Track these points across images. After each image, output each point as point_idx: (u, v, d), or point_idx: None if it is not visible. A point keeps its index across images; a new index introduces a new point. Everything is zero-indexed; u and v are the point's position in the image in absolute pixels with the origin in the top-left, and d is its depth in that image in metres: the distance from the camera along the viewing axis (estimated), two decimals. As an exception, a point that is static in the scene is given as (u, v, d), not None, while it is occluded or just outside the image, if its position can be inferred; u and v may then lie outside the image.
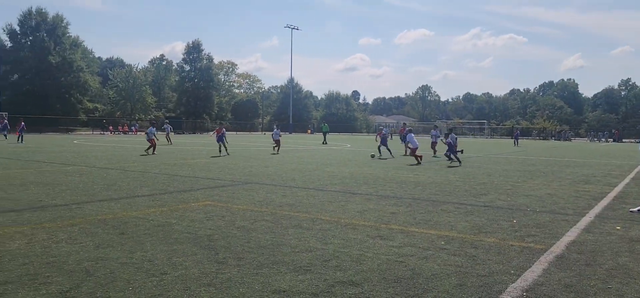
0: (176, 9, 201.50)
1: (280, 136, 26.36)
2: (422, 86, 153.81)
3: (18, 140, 33.64)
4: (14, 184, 11.06)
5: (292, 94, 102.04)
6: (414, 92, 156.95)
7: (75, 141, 38.13)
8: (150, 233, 6.47)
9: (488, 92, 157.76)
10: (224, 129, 23.27)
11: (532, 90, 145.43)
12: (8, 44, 73.69)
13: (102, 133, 69.02)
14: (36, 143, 33.46)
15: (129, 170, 14.90)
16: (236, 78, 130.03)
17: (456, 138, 19.46)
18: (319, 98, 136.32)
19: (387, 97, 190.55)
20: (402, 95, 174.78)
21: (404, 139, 22.98)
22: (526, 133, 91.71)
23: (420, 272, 5.06)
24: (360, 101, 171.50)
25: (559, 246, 6.23)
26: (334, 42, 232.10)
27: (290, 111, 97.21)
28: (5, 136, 38.35)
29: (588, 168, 19.22)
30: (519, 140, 51.08)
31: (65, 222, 7.11)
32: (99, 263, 5.13)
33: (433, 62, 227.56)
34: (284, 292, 4.40)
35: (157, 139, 23.83)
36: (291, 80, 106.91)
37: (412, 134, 20.86)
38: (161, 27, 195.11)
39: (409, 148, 20.61)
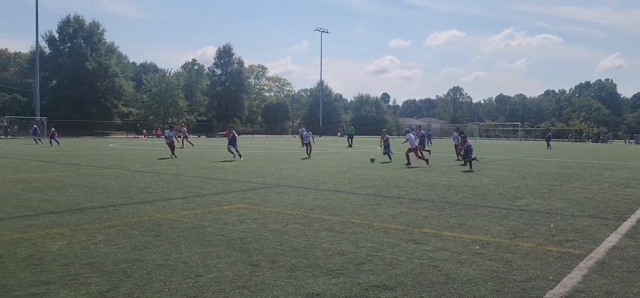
0: (208, 14, 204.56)
1: (311, 138, 25.42)
2: (453, 87, 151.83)
3: (50, 144, 35.31)
4: (54, 187, 11.39)
5: (321, 97, 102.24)
6: (444, 94, 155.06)
7: (110, 145, 39.06)
8: (184, 236, 6.57)
9: (521, 94, 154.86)
10: (234, 132, 22.60)
11: (567, 91, 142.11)
12: (47, 51, 76.04)
13: (136, 136, 70.51)
14: (73, 146, 34.41)
15: (162, 173, 15.16)
16: (266, 82, 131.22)
17: (458, 140, 19.35)
18: (349, 101, 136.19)
19: (417, 100, 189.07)
20: (433, 97, 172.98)
21: (386, 145, 22.59)
22: (561, 135, 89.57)
23: (455, 276, 4.98)
24: (390, 103, 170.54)
25: (599, 252, 6.05)
26: (363, 44, 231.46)
27: (320, 113, 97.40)
28: (36, 140, 39.62)
29: (627, 171, 18.63)
30: (552, 142, 49.87)
31: (103, 224, 7.28)
32: (135, 264, 5.23)
33: (464, 64, 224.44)
34: (317, 295, 4.40)
35: (177, 142, 24.35)
36: (321, 83, 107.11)
37: (412, 135, 20.93)
38: (193, 32, 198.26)
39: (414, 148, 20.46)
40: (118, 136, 68.60)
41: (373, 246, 6.15)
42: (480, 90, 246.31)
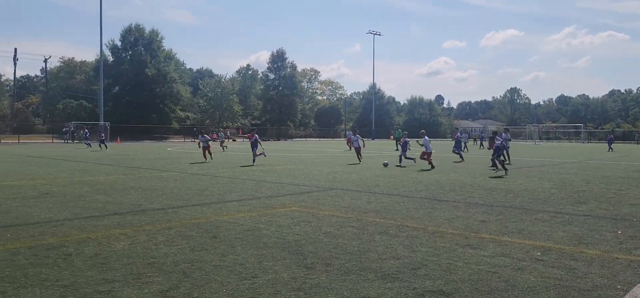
0: (262, 19, 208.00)
1: (360, 141, 24.17)
2: (511, 88, 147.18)
3: (99, 148, 37.04)
4: (117, 189, 11.89)
5: (374, 99, 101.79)
6: (501, 95, 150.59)
7: (168, 149, 40.39)
8: (240, 237, 6.69)
9: (584, 94, 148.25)
10: (255, 136, 21.91)
11: (635, 91, 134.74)
12: (110, 58, 79.62)
13: (193, 140, 72.59)
14: (134, 150, 35.80)
15: (218, 176, 15.52)
16: (319, 85, 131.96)
17: (501, 140, 18.38)
18: (402, 104, 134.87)
19: (472, 101, 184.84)
20: (489, 98, 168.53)
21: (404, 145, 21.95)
22: (628, 137, 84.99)
23: (516, 283, 4.82)
24: (444, 105, 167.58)
25: (672, 261, 5.69)
26: (416, 46, 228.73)
27: (373, 116, 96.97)
28: (88, 144, 41.29)
29: (703, 175, 17.47)
30: (613, 144, 47.26)
31: (163, 225, 7.53)
32: (194, 265, 5.37)
33: (522, 64, 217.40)
34: (373, 299, 4.37)
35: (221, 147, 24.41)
36: (373, 86, 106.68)
37: (428, 139, 20.44)
38: (247, 37, 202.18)
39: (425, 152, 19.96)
40: (176, 140, 70.83)
41: (428, 251, 6.05)
42: (540, 91, 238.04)
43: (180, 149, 40.38)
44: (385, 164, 19.87)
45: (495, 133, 18.97)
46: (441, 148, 26.14)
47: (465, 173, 17.01)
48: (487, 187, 12.93)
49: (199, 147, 24.57)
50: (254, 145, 21.36)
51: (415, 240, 6.66)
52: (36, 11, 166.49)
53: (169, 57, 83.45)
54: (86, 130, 42.99)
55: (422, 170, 18.11)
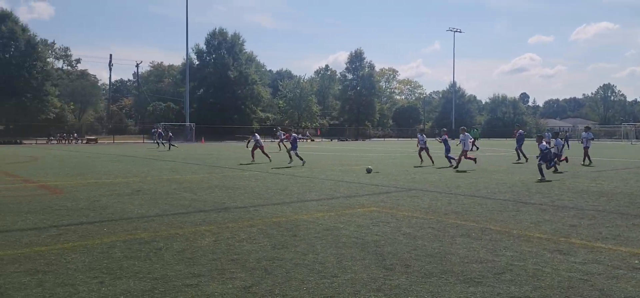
0: (340, 20, 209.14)
1: (425, 143, 21.59)
2: (604, 85, 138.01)
3: (168, 148, 38.52)
4: (202, 188, 12.42)
5: (454, 98, 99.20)
6: (593, 92, 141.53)
7: (249, 148, 41.54)
8: (320, 237, 6.76)
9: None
10: (294, 135, 21.23)
11: None
12: (196, 62, 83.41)
13: (272, 140, 74.36)
14: (217, 150, 37.22)
15: (297, 176, 15.78)
16: (397, 85, 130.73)
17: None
18: (483, 102, 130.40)
19: (560, 99, 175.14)
20: (579, 96, 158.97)
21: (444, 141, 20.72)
22: None
23: (611, 293, 4.51)
24: (530, 103, 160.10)
25: None
26: (500, 42, 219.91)
27: (453, 116, 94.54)
28: (158, 144, 42.48)
29: None
30: None
31: (245, 223, 7.77)
32: (275, 262, 5.50)
33: (617, 59, 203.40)
34: (455, 303, 4.26)
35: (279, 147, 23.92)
36: (453, 84, 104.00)
37: (467, 134, 19.43)
38: (326, 38, 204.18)
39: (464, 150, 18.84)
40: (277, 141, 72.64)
41: (514, 255, 5.80)
42: (637, 87, 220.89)
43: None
44: (369, 170, 16.81)
45: (541, 137, 16.94)
46: (528, 148, 24.93)
47: (552, 174, 16.13)
48: (578, 189, 12.19)
49: (247, 147, 24.15)
50: (294, 145, 20.95)
51: (498, 243, 6.41)
52: (129, 19, 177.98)
53: (250, 59, 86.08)
54: (160, 131, 44.71)
55: (466, 170, 17.40)
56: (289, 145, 21.71)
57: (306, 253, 5.90)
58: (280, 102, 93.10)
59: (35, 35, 71.26)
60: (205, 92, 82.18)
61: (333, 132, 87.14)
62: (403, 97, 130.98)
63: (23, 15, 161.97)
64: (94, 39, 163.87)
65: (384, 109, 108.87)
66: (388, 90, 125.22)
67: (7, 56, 66.18)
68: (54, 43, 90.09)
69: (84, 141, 59.29)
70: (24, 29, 69.06)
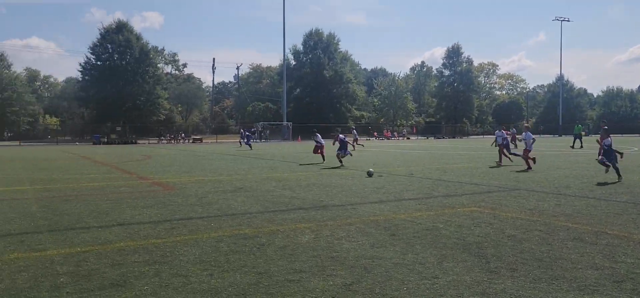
0: (436, 15, 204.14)
1: (503, 141, 19.86)
2: None
3: (250, 148, 38.24)
4: (301, 186, 12.71)
5: (561, 92, 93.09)
6: None
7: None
8: (419, 236, 6.66)
9: None
10: (340, 136, 19.93)
11: None
12: (293, 62, 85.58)
13: (367, 139, 74.37)
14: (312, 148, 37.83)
15: (394, 174, 15.65)
16: (497, 79, 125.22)
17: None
18: (595, 96, 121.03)
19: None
20: None
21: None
22: None
23: None
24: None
25: None
26: (614, 30, 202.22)
27: (560, 110, 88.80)
28: (241, 143, 40.93)
29: None
30: None
31: (343, 221, 7.84)
32: (374, 261, 5.49)
33: None
34: (568, 312, 4.00)
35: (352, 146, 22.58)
36: (560, 77, 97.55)
37: (529, 133, 17.80)
38: (421, 34, 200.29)
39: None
40: (351, 140, 73.07)
41: (635, 263, 5.33)
42: None
43: (356, 147, 41.61)
44: (370, 174, 15.00)
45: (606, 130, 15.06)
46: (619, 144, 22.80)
47: (678, 174, 14.59)
48: None
49: (333, 145, 23.46)
50: (343, 146, 19.50)
51: (617, 249, 5.92)
52: (230, 24, 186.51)
53: (345, 58, 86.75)
54: (247, 132, 45.17)
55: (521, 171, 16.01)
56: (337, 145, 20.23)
57: (405, 252, 5.83)
58: (375, 100, 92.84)
59: (148, 43, 77.04)
60: (302, 92, 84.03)
61: (429, 130, 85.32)
62: (504, 92, 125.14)
63: (137, 25, 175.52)
64: (199, 45, 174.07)
65: (483, 105, 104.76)
66: (487, 85, 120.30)
67: (123, 62, 72.05)
68: (163, 49, 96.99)
69: (190, 141, 63.03)
70: (138, 38, 74.81)
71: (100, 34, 73.10)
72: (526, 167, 16.86)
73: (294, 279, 4.88)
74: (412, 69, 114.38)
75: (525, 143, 17.96)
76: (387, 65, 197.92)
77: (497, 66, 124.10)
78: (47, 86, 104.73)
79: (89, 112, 75.52)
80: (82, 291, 4.54)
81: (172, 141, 63.25)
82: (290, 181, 13.87)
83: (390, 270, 5.15)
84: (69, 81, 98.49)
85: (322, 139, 21.95)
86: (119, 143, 56.91)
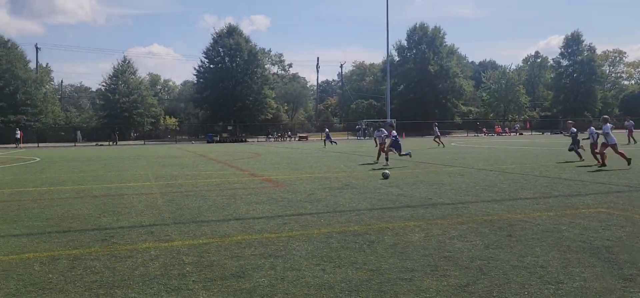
0: (552, 2, 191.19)
1: (595, 138, 17.11)
2: None
3: (324, 145, 38.39)
4: (407, 183, 12.53)
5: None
6: None
7: (452, 143, 40.73)
8: (538, 238, 6.27)
9: None
10: (394, 133, 18.39)
11: None
12: (396, 58, 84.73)
13: (475, 134, 71.64)
14: (418, 145, 37.21)
15: (507, 172, 14.90)
16: (625, 68, 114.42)
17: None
18: None
19: None
20: None
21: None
22: None
23: None
24: None
25: None
26: None
27: (699, 101, 79.23)
28: (330, 142, 39.86)
29: None
30: None
31: (454, 220, 7.60)
32: (490, 263, 5.25)
33: None
34: None
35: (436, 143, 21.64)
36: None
37: (610, 125, 15.84)
38: (535, 23, 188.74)
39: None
40: (458, 135, 71.01)
41: None
42: None
43: (464, 144, 40.29)
44: (385, 176, 13.66)
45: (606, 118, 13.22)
46: None
47: None
48: None
49: (376, 146, 22.16)
50: (395, 143, 18.02)
51: None
52: (333, 23, 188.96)
53: (451, 52, 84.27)
54: (327, 130, 44.12)
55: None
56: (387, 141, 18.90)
57: (524, 255, 5.52)
58: (484, 94, 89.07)
59: (255, 45, 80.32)
60: (406, 88, 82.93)
61: (545, 125, 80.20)
62: (633, 82, 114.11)
63: (245, 28, 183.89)
64: (303, 44, 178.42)
65: (608, 97, 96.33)
66: (613, 75, 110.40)
67: (233, 65, 75.79)
68: (270, 51, 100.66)
69: (296, 139, 64.86)
70: (247, 40, 78.27)
71: (213, 39, 77.54)
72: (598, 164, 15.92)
73: (406, 278, 4.81)
74: (525, 60, 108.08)
75: (606, 136, 16.25)
76: (496, 57, 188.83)
77: (625, 53, 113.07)
78: (166, 89, 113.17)
79: (203, 112, 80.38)
80: (206, 280, 4.83)
81: (279, 139, 65.49)
82: (397, 178, 13.72)
83: (508, 272, 4.90)
84: (185, 84, 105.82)
85: (381, 135, 20.88)
86: (230, 141, 60.12)
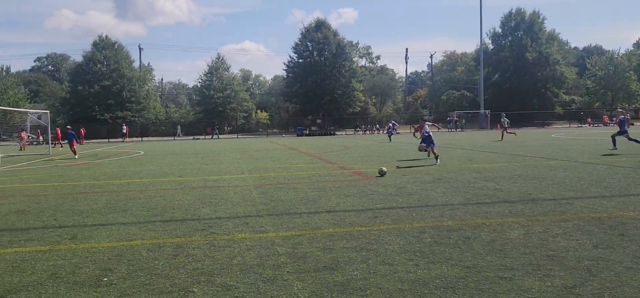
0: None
1: None
2: None
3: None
4: (504, 177, 11.97)
5: None
6: None
7: (552, 135, 38.40)
8: (655, 238, 5.72)
9: None
10: (425, 127, 17.08)
11: None
12: (490, 47, 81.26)
13: (579, 125, 67.07)
14: (515, 137, 35.45)
15: (616, 166, 13.78)
16: None
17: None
18: None
19: None
20: None
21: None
22: None
23: None
24: None
25: None
26: None
27: None
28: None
29: None
30: None
31: (557, 217, 7.13)
32: (600, 263, 4.87)
33: None
34: None
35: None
36: None
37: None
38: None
39: None
40: (559, 126, 66.93)
41: None
42: None
43: (566, 135, 37.85)
44: (382, 173, 13.00)
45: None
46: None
47: None
48: None
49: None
50: (427, 139, 16.77)
51: None
52: (422, 14, 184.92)
53: (552, 37, 79.41)
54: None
55: None
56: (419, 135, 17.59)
57: (639, 256, 5.06)
58: (589, 82, 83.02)
59: (344, 38, 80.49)
60: (501, 78, 79.38)
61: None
62: None
63: (333, 21, 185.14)
64: (392, 36, 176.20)
65: None
66: None
67: (322, 59, 76.56)
68: (358, 43, 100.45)
69: (385, 131, 64.33)
70: (335, 34, 78.67)
71: (301, 34, 78.72)
72: None
73: (505, 276, 4.58)
74: (636, 44, 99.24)
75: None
76: (603, 41, 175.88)
77: None
78: (258, 84, 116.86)
79: (293, 106, 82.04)
80: (300, 271, 4.91)
81: (367, 132, 65.31)
82: (492, 171, 13.17)
83: (621, 274, 4.52)
84: (275, 78, 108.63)
85: (394, 127, 19.26)
86: (319, 135, 60.92)
